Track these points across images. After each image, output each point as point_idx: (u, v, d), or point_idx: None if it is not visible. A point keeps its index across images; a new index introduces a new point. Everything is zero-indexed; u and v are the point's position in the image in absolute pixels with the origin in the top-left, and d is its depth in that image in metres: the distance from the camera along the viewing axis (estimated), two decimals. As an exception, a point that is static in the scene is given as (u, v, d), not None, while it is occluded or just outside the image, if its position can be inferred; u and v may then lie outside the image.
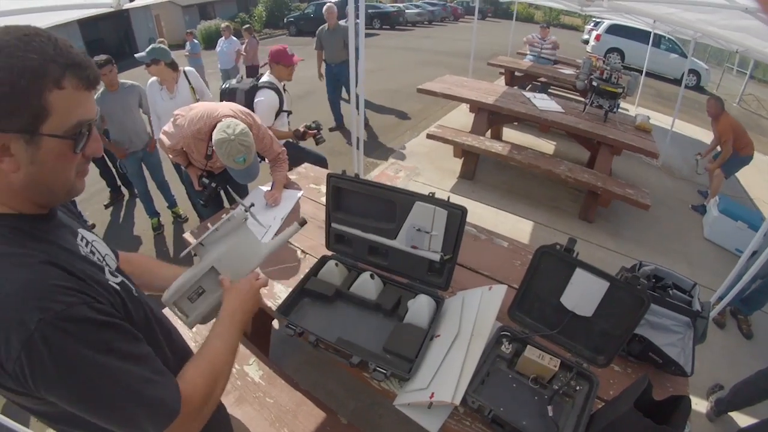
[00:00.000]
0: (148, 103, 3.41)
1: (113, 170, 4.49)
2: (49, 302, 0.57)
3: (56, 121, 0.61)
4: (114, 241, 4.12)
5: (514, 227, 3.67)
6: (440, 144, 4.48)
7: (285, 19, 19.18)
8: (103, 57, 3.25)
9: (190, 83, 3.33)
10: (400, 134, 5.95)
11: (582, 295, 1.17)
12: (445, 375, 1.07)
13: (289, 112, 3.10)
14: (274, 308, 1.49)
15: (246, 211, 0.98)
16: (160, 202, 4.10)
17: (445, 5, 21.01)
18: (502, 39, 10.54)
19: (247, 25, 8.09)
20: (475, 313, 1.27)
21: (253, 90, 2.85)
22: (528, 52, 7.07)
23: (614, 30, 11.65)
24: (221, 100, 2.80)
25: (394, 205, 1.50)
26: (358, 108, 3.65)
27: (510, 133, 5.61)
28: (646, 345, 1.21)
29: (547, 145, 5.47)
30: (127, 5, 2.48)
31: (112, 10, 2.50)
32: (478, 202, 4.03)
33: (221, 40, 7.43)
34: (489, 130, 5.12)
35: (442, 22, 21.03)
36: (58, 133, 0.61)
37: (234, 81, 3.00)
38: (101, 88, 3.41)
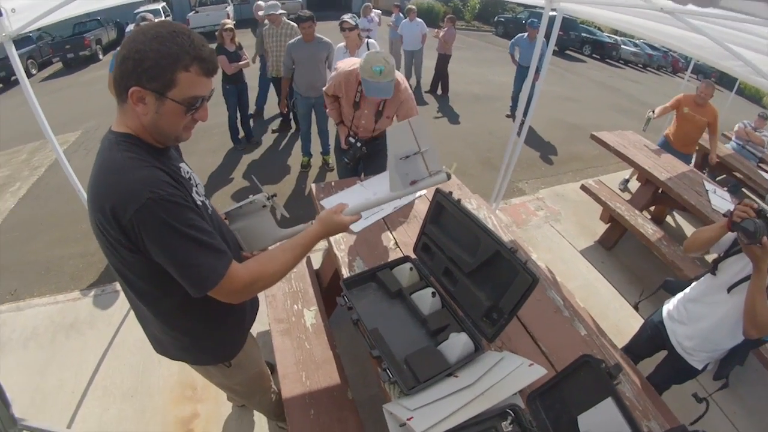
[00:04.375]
0: (333, 61, 3.94)
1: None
2: (157, 189, 0.87)
3: (178, 91, 0.90)
4: (268, 164, 4.93)
5: (627, 322, 3.18)
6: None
7: (496, 17, 19.06)
8: (307, 13, 3.88)
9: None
10: (561, 173, 5.63)
11: (600, 426, 1.09)
12: (432, 411, 1.12)
13: None
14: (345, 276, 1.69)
15: (269, 199, 1.25)
16: (316, 147, 4.71)
17: (666, 53, 18.20)
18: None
19: (451, 15, 8.30)
20: (501, 377, 1.28)
21: None
22: (733, 138, 5.92)
23: None
24: None
25: (479, 242, 1.53)
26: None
27: (677, 218, 4.84)
28: None
29: (714, 250, 4.58)
30: None
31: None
32: (603, 276, 3.62)
33: (404, 21, 7.58)
34: (653, 207, 4.50)
35: (657, 70, 18.40)
36: (177, 99, 0.90)
37: None
38: (298, 36, 4.05)
